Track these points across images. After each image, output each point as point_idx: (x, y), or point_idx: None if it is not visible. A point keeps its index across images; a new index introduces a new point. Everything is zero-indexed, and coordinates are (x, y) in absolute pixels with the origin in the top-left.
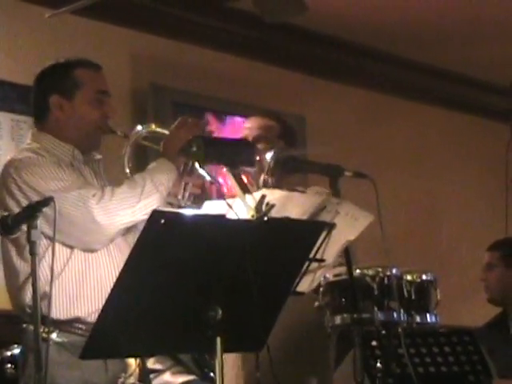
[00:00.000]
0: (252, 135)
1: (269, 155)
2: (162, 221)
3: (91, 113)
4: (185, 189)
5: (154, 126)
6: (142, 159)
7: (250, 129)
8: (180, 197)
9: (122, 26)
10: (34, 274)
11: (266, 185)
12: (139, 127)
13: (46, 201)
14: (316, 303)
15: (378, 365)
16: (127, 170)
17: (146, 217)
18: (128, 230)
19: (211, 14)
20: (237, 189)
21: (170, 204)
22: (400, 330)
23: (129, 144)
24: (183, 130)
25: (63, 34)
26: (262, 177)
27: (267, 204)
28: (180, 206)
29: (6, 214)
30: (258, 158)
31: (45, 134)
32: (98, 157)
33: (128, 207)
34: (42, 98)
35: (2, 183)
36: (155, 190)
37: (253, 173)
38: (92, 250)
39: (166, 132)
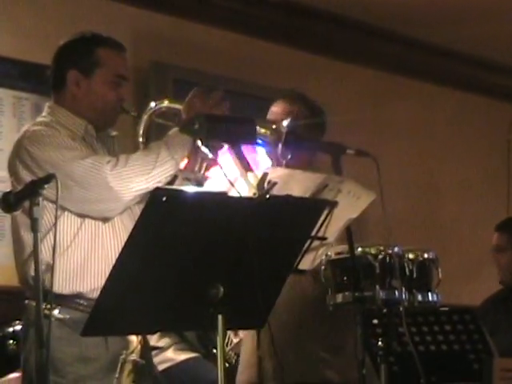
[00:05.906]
0: (277, 120)
1: (285, 123)
2: (164, 198)
3: (107, 93)
4: (202, 162)
5: (167, 102)
6: (155, 138)
7: (275, 113)
8: (197, 170)
9: (123, 3)
10: (36, 251)
11: (284, 156)
12: (152, 104)
13: (48, 178)
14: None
15: (379, 343)
16: (141, 148)
17: (161, 184)
18: (137, 203)
19: None
20: (239, 166)
21: (188, 179)
22: (401, 308)
23: (143, 121)
24: (198, 101)
25: (65, 11)
26: (280, 147)
27: (269, 182)
28: (197, 181)
29: (8, 190)
30: (274, 126)
31: (60, 107)
32: (114, 133)
33: (142, 174)
34: (60, 72)
35: (15, 154)
36: (170, 157)
37: (271, 144)
38: (106, 219)
39: (179, 107)
